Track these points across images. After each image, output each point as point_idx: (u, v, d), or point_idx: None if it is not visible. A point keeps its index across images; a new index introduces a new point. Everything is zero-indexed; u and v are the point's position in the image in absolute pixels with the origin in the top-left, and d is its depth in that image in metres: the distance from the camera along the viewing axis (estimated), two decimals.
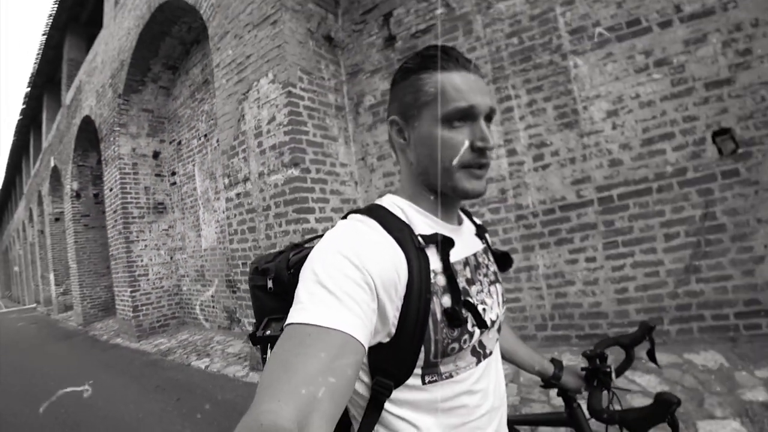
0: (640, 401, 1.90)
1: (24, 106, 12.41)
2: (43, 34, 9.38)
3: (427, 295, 0.48)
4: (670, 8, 2.30)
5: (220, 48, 3.68)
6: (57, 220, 10.33)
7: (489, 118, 0.54)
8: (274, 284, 0.60)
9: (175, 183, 6.34)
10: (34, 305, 14.80)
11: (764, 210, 2.13)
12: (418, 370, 0.51)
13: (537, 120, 2.61)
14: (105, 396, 3.44)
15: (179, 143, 6.14)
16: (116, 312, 6.57)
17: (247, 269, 3.35)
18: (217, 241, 5.32)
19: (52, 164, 9.79)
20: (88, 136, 7.85)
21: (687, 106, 2.29)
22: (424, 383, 0.51)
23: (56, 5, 8.68)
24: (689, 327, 2.29)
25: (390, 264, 0.47)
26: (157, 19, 5.10)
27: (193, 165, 5.82)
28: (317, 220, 3.01)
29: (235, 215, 3.52)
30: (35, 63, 10.46)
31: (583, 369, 0.83)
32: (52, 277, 10.36)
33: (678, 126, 2.30)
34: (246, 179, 3.38)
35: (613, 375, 0.79)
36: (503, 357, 0.78)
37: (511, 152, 2.70)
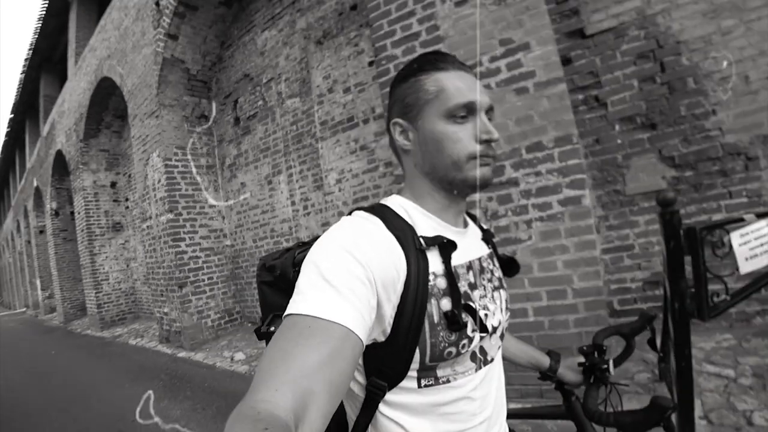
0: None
1: (8, 128, 14.70)
2: (22, 73, 11.54)
3: (423, 297, 0.51)
4: (369, 110, 4.28)
5: (134, 125, 5.76)
6: (41, 232, 12.60)
7: (489, 113, 0.59)
8: (279, 280, 0.64)
9: (128, 207, 8.48)
10: (24, 309, 17.32)
11: None
12: (413, 373, 0.53)
13: (304, 183, 4.63)
14: (64, 356, 5.63)
15: (130, 176, 8.25)
16: (87, 310, 8.80)
17: (156, 274, 5.45)
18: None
19: (35, 184, 12.02)
20: (63, 164, 10.01)
21: (375, 178, 4.28)
22: (419, 386, 0.54)
23: (30, 50, 10.80)
24: None
25: (390, 262, 0.50)
26: (102, 85, 7.17)
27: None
28: (187, 245, 5.09)
29: (147, 239, 5.62)
30: (16, 94, 12.66)
31: (579, 364, 0.85)
32: (38, 282, 12.70)
33: (371, 191, 4.29)
34: (150, 217, 5.47)
35: (611, 369, 0.80)
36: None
37: (293, 203, 4.74)
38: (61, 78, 10.82)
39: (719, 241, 1.68)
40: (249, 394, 0.35)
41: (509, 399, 0.72)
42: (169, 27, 4.91)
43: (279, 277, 0.65)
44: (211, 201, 5.44)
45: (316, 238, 0.58)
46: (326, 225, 4.42)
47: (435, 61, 0.58)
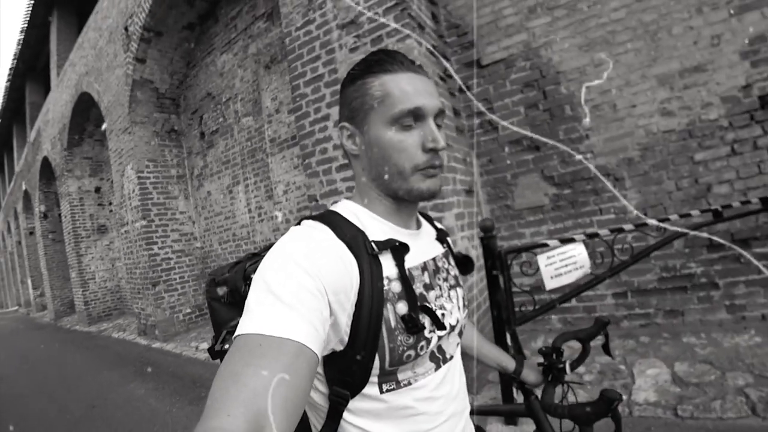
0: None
1: None
2: (7, 81, 12.12)
3: (379, 302, 0.51)
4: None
5: (110, 139, 6.42)
6: (31, 233, 13.27)
7: (438, 118, 0.58)
8: (230, 295, 0.64)
9: (111, 210, 9.15)
10: (16, 308, 18.09)
11: None
12: (374, 379, 0.54)
13: (258, 193, 5.31)
14: (52, 349, 6.36)
15: (112, 181, 8.90)
16: (75, 307, 9.51)
17: (134, 274, 6.15)
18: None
19: (24, 188, 12.66)
20: (50, 169, 10.64)
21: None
22: (381, 392, 0.55)
23: (15, 59, 11.37)
24: None
25: (341, 270, 0.50)
26: (83, 99, 7.78)
27: None
28: (159, 248, 5.78)
29: (125, 243, 6.31)
30: (2, 100, 13.23)
31: (539, 364, 0.94)
32: (29, 282, 13.41)
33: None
34: (127, 223, 6.15)
35: (568, 369, 0.90)
36: (466, 354, 0.82)
37: (249, 211, 5.42)
38: (46, 85, 11.41)
39: (528, 262, 2.23)
40: (201, 422, 0.35)
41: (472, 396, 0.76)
42: (136, 51, 5.55)
43: (230, 292, 0.65)
44: (182, 208, 6.11)
45: (266, 248, 0.60)
46: (276, 231, 5.11)
47: (382, 62, 0.57)
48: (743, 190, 2.67)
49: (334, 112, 2.97)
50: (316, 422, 0.58)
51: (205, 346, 4.98)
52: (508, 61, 3.24)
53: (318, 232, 0.54)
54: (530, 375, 0.94)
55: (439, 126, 0.59)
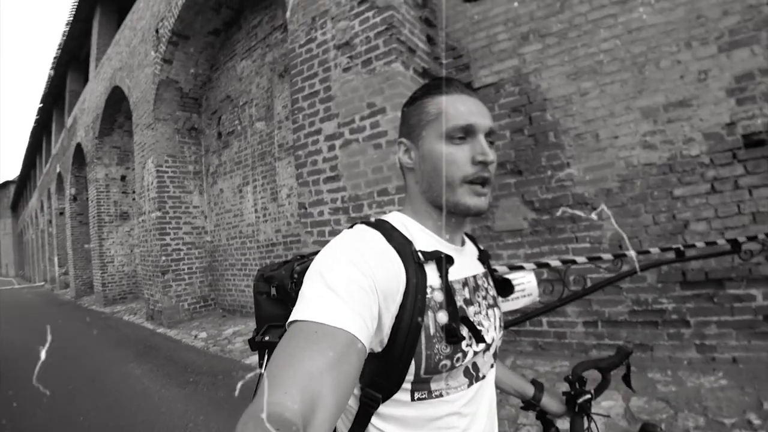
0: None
1: (38, 116, 16.33)
2: (51, 69, 12.99)
3: (421, 309, 0.54)
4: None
5: (136, 133, 6.88)
6: (61, 214, 14.10)
7: (489, 137, 0.62)
8: (277, 292, 0.68)
9: (134, 198, 9.70)
10: (42, 283, 19.19)
11: None
12: (407, 385, 0.56)
13: (264, 194, 5.60)
14: (68, 325, 6.84)
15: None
16: (93, 288, 10.10)
17: (146, 261, 6.55)
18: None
19: (58, 170, 13.50)
20: (82, 155, 11.35)
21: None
22: (413, 399, 0.56)
23: (59, 49, 12.19)
24: None
25: (391, 273, 0.53)
26: (116, 92, 8.33)
27: None
28: (171, 239, 6.16)
29: (141, 231, 6.74)
30: (46, 87, 14.17)
31: (563, 393, 0.89)
32: (56, 260, 14.25)
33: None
34: (144, 212, 6.57)
35: (593, 401, 0.84)
36: None
37: (255, 211, 5.72)
38: (85, 76, 12.16)
39: None
40: (258, 397, 0.36)
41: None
42: (164, 53, 5.96)
43: (277, 288, 0.68)
44: (196, 202, 6.49)
45: (314, 253, 0.63)
46: (278, 232, 5.38)
47: (440, 85, 0.63)
48: (721, 229, 2.65)
49: (326, 126, 3.21)
50: (343, 425, 0.59)
51: (204, 335, 5.30)
52: (499, 85, 3.36)
53: (370, 235, 0.57)
54: (552, 404, 0.90)
55: (490, 143, 0.63)
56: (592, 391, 0.88)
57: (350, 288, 0.48)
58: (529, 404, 0.90)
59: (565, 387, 0.92)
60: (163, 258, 6.09)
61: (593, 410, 0.88)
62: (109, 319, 7.58)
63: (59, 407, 3.30)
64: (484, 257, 0.75)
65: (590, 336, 3.06)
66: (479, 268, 0.71)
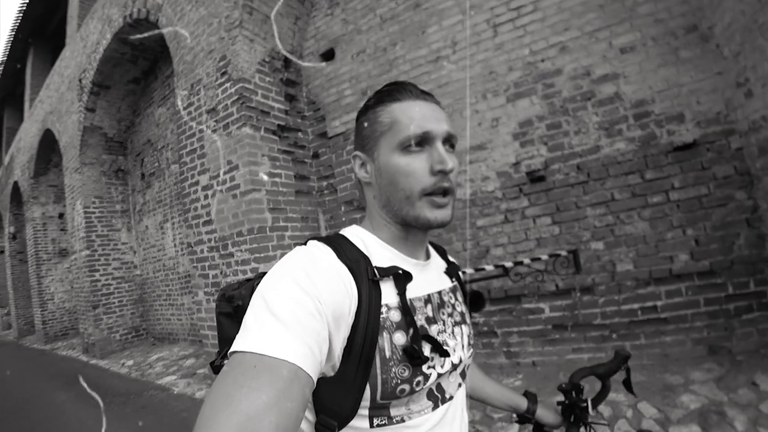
0: None
1: None
2: None
3: (374, 329, 0.52)
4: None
5: (65, 175, 7.52)
6: (1, 252, 14.27)
7: (448, 143, 0.61)
8: (237, 312, 0.64)
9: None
10: None
11: None
12: (364, 411, 0.54)
13: (181, 231, 6.36)
14: (6, 364, 7.32)
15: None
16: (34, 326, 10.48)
17: (80, 297, 7.14)
18: None
19: None
20: (19, 193, 11.72)
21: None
22: (371, 426, 0.54)
23: None
24: None
25: (342, 292, 0.51)
26: (48, 134, 8.91)
27: None
28: (101, 275, 6.82)
29: (74, 269, 7.35)
30: None
31: (559, 403, 0.88)
32: None
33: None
34: (74, 252, 7.19)
35: (590, 409, 0.84)
36: (470, 396, 0.80)
37: (175, 245, 6.45)
38: (22, 113, 12.57)
39: None
40: None
41: None
42: (87, 102, 6.69)
43: (238, 308, 0.65)
44: (124, 239, 7.17)
45: None
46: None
47: (392, 92, 0.62)
48: (513, 253, 3.24)
49: (202, 179, 4.06)
50: None
51: (130, 363, 5.97)
52: (347, 134, 4.19)
53: (320, 251, 0.56)
54: (548, 415, 0.90)
55: (451, 148, 0.62)
56: (589, 400, 0.87)
57: (295, 312, 0.46)
58: (524, 418, 0.90)
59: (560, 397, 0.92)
60: (93, 294, 6.72)
61: (590, 419, 0.88)
62: (47, 355, 8.08)
63: None
64: (452, 270, 0.74)
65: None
66: (446, 283, 0.70)
